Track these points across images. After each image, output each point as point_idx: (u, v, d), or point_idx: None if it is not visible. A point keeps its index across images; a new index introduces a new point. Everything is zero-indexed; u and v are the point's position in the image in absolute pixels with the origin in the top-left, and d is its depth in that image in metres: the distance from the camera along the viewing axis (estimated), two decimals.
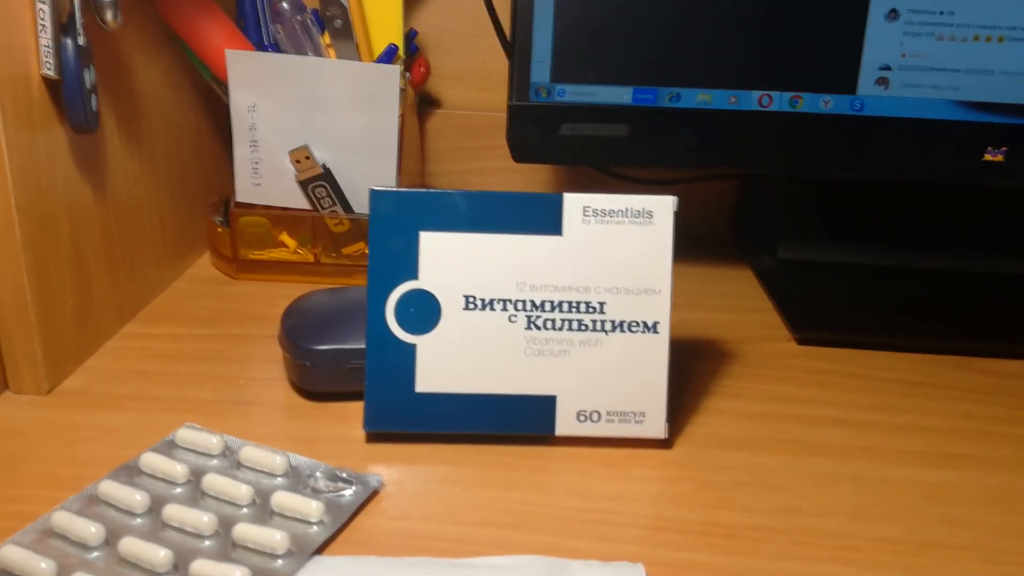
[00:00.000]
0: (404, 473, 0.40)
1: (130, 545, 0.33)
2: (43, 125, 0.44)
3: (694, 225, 0.73)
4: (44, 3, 0.42)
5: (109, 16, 0.44)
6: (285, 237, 0.61)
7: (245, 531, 0.34)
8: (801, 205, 0.66)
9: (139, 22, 0.54)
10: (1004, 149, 0.55)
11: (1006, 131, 0.55)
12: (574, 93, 0.55)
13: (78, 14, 0.43)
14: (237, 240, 0.60)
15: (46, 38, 0.43)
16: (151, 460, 0.39)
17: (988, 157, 0.56)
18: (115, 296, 0.52)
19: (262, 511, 0.37)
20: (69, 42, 0.43)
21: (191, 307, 0.57)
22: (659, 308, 0.42)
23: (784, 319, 0.58)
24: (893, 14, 0.53)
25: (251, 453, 0.39)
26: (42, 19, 0.42)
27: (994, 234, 0.65)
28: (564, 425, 0.42)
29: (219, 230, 0.61)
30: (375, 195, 0.42)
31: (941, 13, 0.53)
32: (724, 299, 0.62)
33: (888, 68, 0.54)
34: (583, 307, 0.42)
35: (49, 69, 0.43)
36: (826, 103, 0.55)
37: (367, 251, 0.59)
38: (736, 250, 0.71)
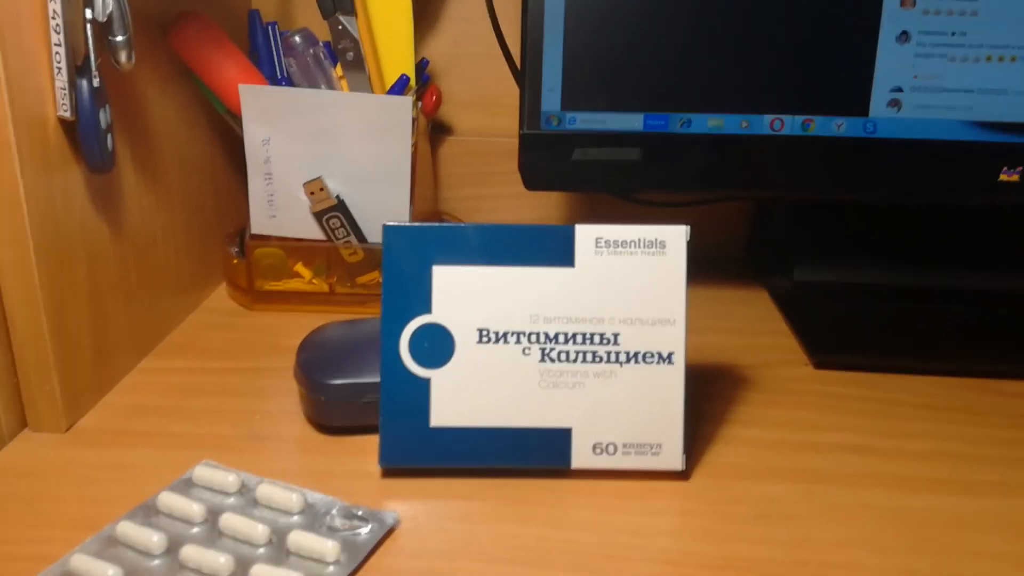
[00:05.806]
0: (420, 509, 0.40)
1: None
2: (59, 166, 0.45)
3: (708, 247, 0.73)
4: (60, 46, 0.43)
5: (123, 57, 0.45)
6: (300, 268, 0.61)
7: (262, 572, 0.34)
8: (817, 225, 0.66)
9: (152, 58, 0.54)
10: (1020, 169, 0.55)
11: (1022, 151, 0.55)
12: (585, 121, 0.55)
13: (92, 56, 0.44)
14: (253, 271, 0.61)
15: (62, 80, 0.43)
16: (168, 500, 0.39)
17: (1004, 177, 0.55)
18: (132, 331, 0.53)
19: (278, 551, 0.37)
20: (84, 83, 0.44)
21: (208, 339, 0.57)
22: (674, 339, 0.42)
23: (801, 343, 0.57)
24: (904, 36, 0.53)
25: (267, 491, 0.40)
26: (58, 62, 0.43)
27: (1012, 253, 0.64)
28: (580, 458, 0.42)
29: (235, 261, 0.62)
30: (388, 230, 0.42)
31: (952, 34, 0.53)
32: (739, 322, 0.62)
33: (900, 90, 0.54)
34: (597, 339, 0.42)
35: (65, 111, 0.44)
36: (839, 126, 0.55)
37: (381, 280, 0.60)
38: (751, 272, 0.70)
